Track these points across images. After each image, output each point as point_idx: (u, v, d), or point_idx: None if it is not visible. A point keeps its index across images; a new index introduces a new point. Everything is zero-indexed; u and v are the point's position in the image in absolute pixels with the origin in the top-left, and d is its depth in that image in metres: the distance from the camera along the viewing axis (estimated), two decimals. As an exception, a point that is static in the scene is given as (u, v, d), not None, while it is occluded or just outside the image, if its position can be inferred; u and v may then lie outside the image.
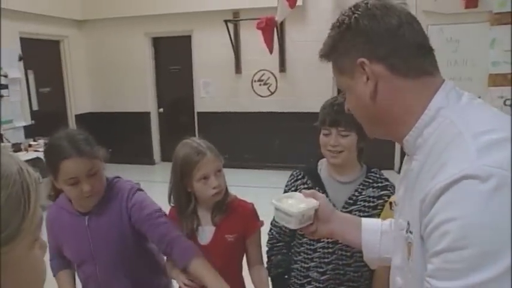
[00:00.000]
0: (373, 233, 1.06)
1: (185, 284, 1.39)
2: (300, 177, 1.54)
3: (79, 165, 1.30)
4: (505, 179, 0.59)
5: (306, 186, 1.49)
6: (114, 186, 1.49)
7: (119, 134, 7.00)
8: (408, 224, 0.76)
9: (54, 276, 1.57)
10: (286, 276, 1.60)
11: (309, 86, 5.94)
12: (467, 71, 5.24)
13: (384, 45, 0.75)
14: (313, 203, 1.07)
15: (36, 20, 5.87)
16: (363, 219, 1.12)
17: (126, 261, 1.46)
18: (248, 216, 1.50)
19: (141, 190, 1.52)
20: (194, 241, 1.45)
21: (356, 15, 0.77)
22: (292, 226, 1.06)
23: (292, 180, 1.55)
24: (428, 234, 0.66)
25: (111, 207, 1.44)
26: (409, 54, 0.75)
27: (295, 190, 1.50)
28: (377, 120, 0.81)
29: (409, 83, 0.75)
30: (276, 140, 6.19)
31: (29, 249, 0.54)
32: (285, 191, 1.54)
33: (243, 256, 1.54)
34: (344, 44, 0.79)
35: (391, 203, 1.28)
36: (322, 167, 1.53)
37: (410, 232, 0.75)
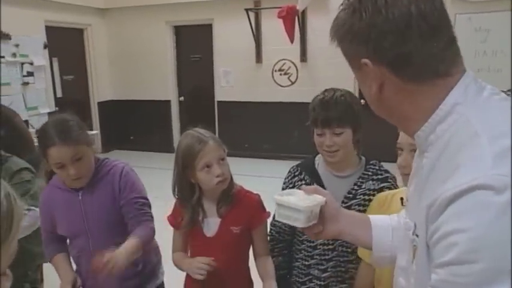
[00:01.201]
0: (385, 230, 0.99)
1: (202, 262, 1.36)
2: (297, 173, 1.51)
3: (63, 152, 1.40)
4: None
5: (303, 182, 1.46)
6: (105, 164, 1.57)
7: (139, 122, 7.09)
8: (415, 225, 0.73)
9: (49, 261, 1.63)
10: (288, 276, 1.59)
11: (330, 76, 5.84)
12: (496, 62, 5.05)
13: (391, 49, 0.67)
14: (319, 198, 0.95)
15: (60, 8, 5.96)
16: (371, 216, 1.04)
17: (117, 235, 1.51)
18: (254, 207, 1.47)
19: (132, 170, 1.60)
20: (199, 233, 1.45)
21: (363, 10, 0.69)
22: (300, 224, 0.93)
23: (290, 177, 1.52)
24: (434, 243, 0.63)
25: (104, 183, 1.53)
26: (423, 59, 0.67)
27: (293, 187, 1.48)
28: (385, 114, 0.76)
29: (420, 86, 0.68)
30: (295, 130, 6.14)
31: None
32: (283, 188, 1.52)
33: (249, 247, 1.52)
34: (351, 35, 0.71)
35: (402, 199, 1.24)
36: (320, 161, 1.49)
37: (417, 235, 0.71)
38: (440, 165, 0.67)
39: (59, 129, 1.41)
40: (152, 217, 1.56)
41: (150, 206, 1.57)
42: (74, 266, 1.63)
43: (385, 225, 1.00)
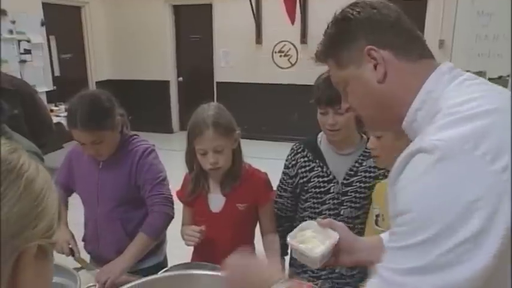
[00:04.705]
0: None
1: (194, 230, 1.40)
2: (300, 150, 1.54)
3: (83, 136, 1.45)
4: (448, 151, 0.62)
5: (306, 159, 1.50)
6: (131, 142, 1.60)
7: (138, 101, 7.04)
8: None
9: None
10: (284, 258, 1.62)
11: (331, 58, 5.82)
12: (497, 47, 5.00)
13: (387, 33, 0.80)
14: (333, 237, 1.01)
15: (57, -16, 5.86)
16: (382, 235, 1.05)
17: (124, 210, 1.59)
18: (261, 186, 1.50)
19: (153, 152, 1.61)
20: (205, 209, 1.49)
21: (357, 9, 0.82)
22: (314, 266, 1.04)
23: (293, 154, 1.55)
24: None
25: (124, 161, 1.56)
26: (409, 40, 0.80)
27: (296, 164, 1.52)
28: (383, 105, 0.82)
29: (411, 65, 0.79)
30: (295, 112, 6.14)
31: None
32: (286, 165, 1.56)
33: (255, 225, 1.56)
34: (350, 34, 0.82)
35: None
36: (322, 139, 1.53)
37: None
38: None
39: (84, 112, 1.41)
40: (167, 198, 1.55)
41: (166, 187, 1.58)
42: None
43: None
